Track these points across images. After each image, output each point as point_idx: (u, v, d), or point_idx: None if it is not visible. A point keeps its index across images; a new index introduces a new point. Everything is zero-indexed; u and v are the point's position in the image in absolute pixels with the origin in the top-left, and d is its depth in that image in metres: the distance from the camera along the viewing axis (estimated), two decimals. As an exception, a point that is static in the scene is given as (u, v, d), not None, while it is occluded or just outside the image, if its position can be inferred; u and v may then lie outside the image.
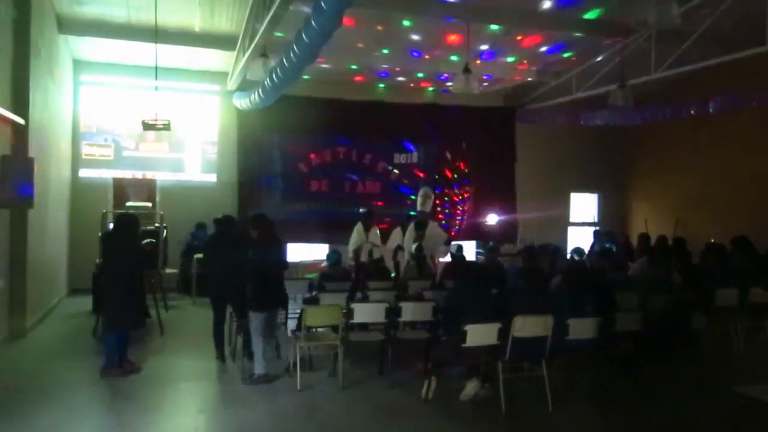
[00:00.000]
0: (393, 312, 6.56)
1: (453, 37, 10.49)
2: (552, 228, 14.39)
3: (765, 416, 4.34)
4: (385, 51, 11.27)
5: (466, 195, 14.53)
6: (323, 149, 13.49)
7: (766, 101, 10.46)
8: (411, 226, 9.86)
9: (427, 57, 11.58)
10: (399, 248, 9.72)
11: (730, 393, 4.41)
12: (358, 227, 10.22)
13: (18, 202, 7.91)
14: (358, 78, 12.98)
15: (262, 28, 8.10)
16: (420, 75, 12.82)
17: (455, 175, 14.47)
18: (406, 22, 9.93)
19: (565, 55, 11.60)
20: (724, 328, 7.57)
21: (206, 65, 12.32)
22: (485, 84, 12.87)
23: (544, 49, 11.26)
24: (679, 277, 8.12)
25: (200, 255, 10.13)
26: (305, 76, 11.45)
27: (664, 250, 9.52)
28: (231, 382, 6.55)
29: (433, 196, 10.32)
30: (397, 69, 12.24)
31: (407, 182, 14.10)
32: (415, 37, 10.61)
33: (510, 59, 11.88)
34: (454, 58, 11.30)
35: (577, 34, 10.18)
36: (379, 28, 10.15)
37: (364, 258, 9.04)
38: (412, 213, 13.76)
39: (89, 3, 9.53)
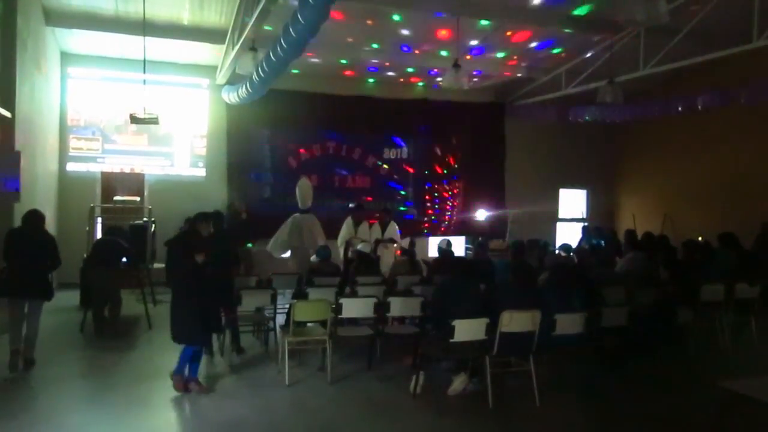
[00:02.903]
0: (381, 307, 6.58)
1: (443, 32, 10.49)
2: (541, 223, 14.45)
3: (750, 411, 4.38)
4: (375, 46, 11.26)
5: (455, 190, 14.55)
6: (312, 144, 13.46)
7: (754, 98, 10.53)
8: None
9: (416, 52, 11.57)
10: (378, 242, 9.81)
11: (716, 387, 4.44)
12: (348, 222, 10.26)
13: (4, 196, 7.86)
14: (347, 72, 12.95)
15: (251, 21, 8.06)
16: (410, 70, 12.80)
17: (445, 171, 14.50)
18: (396, 17, 9.92)
19: (555, 51, 11.65)
20: (710, 323, 7.64)
21: (195, 59, 12.24)
22: (475, 79, 12.90)
23: (533, 44, 11.31)
24: (666, 273, 8.19)
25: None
26: (294, 71, 11.48)
27: (650, 246, 9.58)
28: (219, 377, 6.54)
29: (310, 191, 10.17)
30: (387, 64, 12.22)
31: (397, 177, 14.12)
32: (404, 32, 10.60)
33: (500, 55, 11.91)
34: (444, 53, 11.31)
35: (566, 30, 10.21)
36: (369, 22, 10.15)
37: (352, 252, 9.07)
38: (402, 208, 13.89)
39: (76, -5, 9.47)
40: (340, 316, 6.50)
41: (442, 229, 14.30)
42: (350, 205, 11.21)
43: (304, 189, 9.94)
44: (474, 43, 10.97)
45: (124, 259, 8.50)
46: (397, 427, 5.37)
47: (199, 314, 5.90)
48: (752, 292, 7.77)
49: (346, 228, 10.21)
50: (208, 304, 6.08)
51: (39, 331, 6.82)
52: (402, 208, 13.76)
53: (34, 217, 6.73)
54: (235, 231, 10.02)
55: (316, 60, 11.47)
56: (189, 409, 5.70)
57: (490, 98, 14.66)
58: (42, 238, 6.73)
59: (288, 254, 10.07)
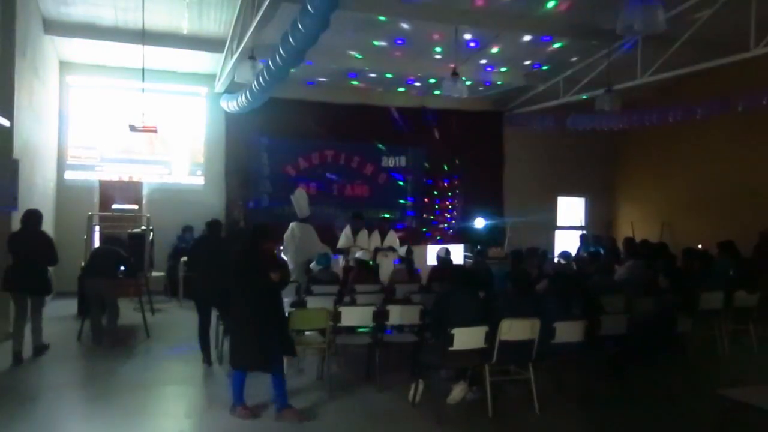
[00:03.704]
0: (380, 315, 6.56)
1: (441, 40, 10.51)
2: (539, 231, 14.44)
3: (749, 418, 4.37)
4: (373, 54, 11.27)
5: (454, 198, 14.55)
6: (311, 152, 13.48)
7: (751, 106, 10.55)
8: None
9: (415, 60, 11.60)
10: (377, 250, 9.80)
11: (715, 395, 4.44)
12: (346, 230, 10.27)
13: (2, 204, 7.84)
14: (347, 81, 12.95)
15: (250, 30, 8.09)
16: (409, 78, 12.82)
17: (443, 179, 14.50)
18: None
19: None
20: (709, 331, 7.63)
21: (194, 67, 12.28)
22: (480, 88, 12.92)
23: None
24: (665, 281, 8.19)
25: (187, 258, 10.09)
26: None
27: (649, 253, 9.58)
28: (217, 386, 6.50)
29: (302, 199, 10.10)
30: (386, 72, 12.25)
31: (396, 186, 14.12)
32: (403, 40, 10.63)
33: (498, 63, 11.94)
34: (442, 61, 11.32)
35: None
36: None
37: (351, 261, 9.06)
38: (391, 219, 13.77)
39: (76, 4, 9.48)
40: (338, 325, 6.47)
41: (440, 236, 14.28)
42: (350, 214, 11.21)
43: (299, 199, 9.95)
44: (472, 51, 10.99)
45: (122, 268, 8.46)
46: (396, 436, 5.35)
47: (276, 338, 5.48)
48: (751, 300, 7.78)
49: (344, 236, 10.21)
50: (283, 325, 5.75)
51: (42, 325, 7.40)
52: (391, 218, 13.62)
53: (31, 218, 7.29)
54: (233, 239, 10.01)
55: (315, 68, 11.47)
56: (186, 419, 5.66)
57: (489, 107, 14.70)
58: (38, 237, 7.28)
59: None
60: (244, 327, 5.45)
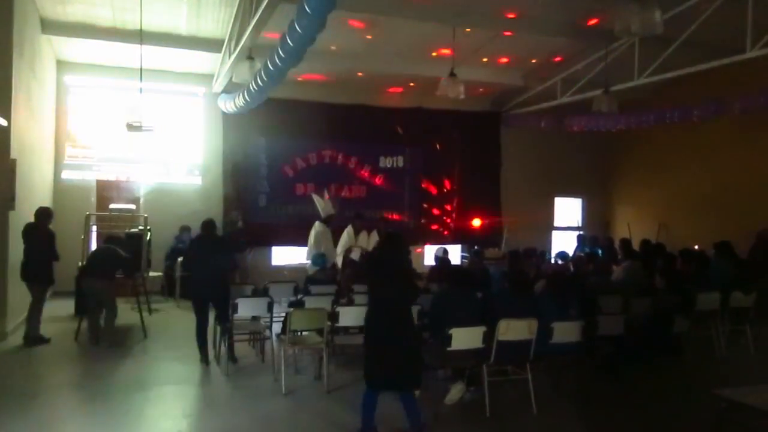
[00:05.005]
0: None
1: (439, 41, 10.52)
2: (536, 232, 14.47)
3: (746, 419, 4.38)
4: (371, 53, 11.28)
5: (451, 199, 14.56)
6: (309, 152, 13.46)
7: (748, 108, 10.58)
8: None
9: (412, 60, 11.61)
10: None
11: (712, 396, 4.45)
12: (348, 230, 10.30)
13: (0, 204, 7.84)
14: (345, 81, 12.94)
15: (248, 30, 8.08)
16: (406, 78, 12.82)
17: (440, 179, 14.50)
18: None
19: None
20: (706, 332, 7.66)
21: (191, 67, 12.26)
22: (475, 87, 12.92)
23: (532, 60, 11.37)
24: (662, 282, 8.21)
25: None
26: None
27: (648, 254, 9.61)
28: (215, 386, 6.52)
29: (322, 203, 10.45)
30: (383, 72, 12.25)
31: (393, 186, 14.12)
32: (401, 40, 10.63)
33: (495, 63, 11.95)
34: (440, 61, 11.33)
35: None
36: (369, 37, 10.22)
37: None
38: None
39: (73, 4, 9.46)
40: (336, 325, 6.48)
41: (438, 236, 14.28)
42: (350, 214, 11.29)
43: (320, 201, 10.24)
44: (470, 51, 11.00)
45: (121, 268, 8.44)
46: (394, 436, 5.35)
47: (412, 351, 5.09)
48: (747, 301, 7.81)
49: (346, 236, 10.25)
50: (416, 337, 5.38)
51: (41, 319, 7.96)
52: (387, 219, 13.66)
53: (39, 215, 7.99)
54: (232, 239, 10.02)
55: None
56: (184, 418, 5.66)
57: (486, 107, 14.71)
58: (42, 232, 7.88)
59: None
60: (378, 340, 5.08)
